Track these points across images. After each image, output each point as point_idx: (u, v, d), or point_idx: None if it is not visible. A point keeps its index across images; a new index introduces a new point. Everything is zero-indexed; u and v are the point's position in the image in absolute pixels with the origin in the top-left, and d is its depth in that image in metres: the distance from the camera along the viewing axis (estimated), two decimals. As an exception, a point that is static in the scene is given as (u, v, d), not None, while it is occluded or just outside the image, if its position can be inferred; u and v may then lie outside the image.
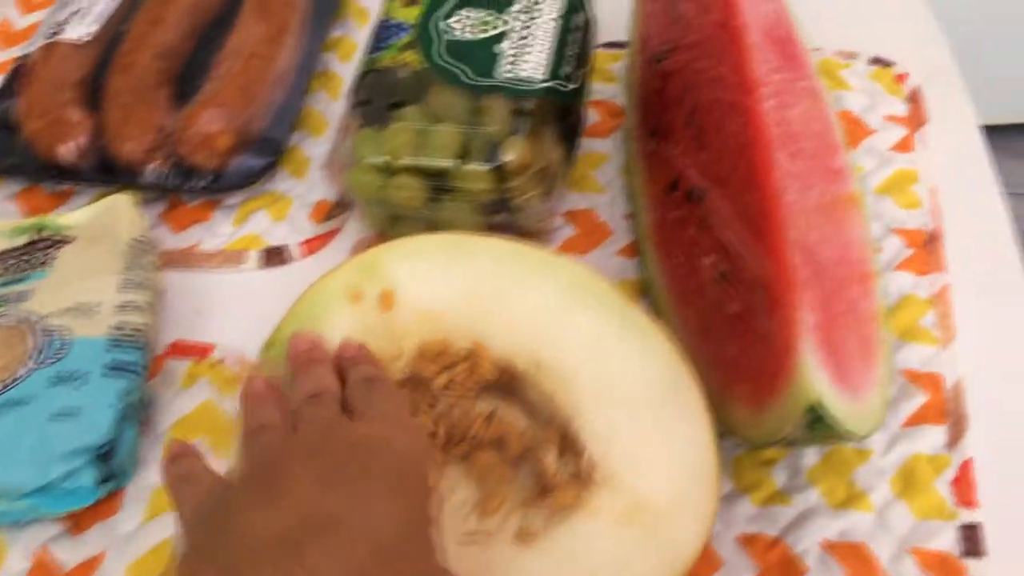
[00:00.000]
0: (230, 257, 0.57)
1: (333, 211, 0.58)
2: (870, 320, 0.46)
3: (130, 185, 0.58)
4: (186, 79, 0.62)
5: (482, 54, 0.53)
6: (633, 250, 0.55)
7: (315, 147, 0.62)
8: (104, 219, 0.54)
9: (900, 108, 0.61)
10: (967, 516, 0.45)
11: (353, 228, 0.58)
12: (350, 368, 0.42)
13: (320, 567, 0.31)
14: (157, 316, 0.53)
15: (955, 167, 0.58)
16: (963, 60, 0.65)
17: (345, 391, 0.40)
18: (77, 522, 0.47)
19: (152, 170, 0.57)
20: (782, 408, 0.39)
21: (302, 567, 0.31)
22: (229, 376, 0.51)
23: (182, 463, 0.39)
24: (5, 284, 0.51)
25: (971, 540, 0.44)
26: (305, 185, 0.60)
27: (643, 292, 0.53)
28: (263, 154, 0.59)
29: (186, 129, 0.58)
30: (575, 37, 0.55)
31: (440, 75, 0.52)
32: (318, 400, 0.39)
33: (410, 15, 0.56)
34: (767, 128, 0.44)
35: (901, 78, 0.63)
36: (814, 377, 0.38)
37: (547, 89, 0.51)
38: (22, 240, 0.54)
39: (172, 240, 0.58)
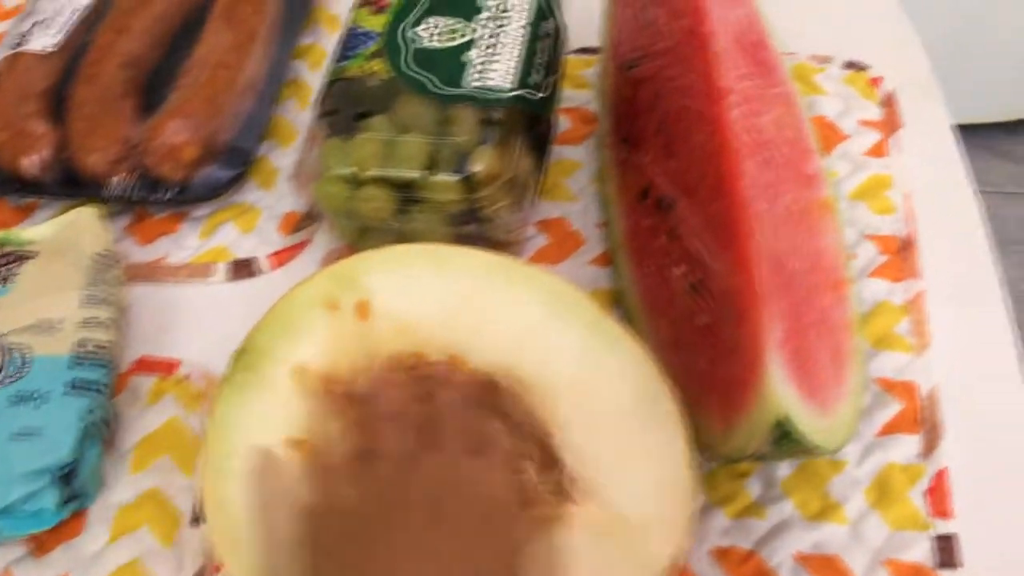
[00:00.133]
0: (197, 270, 0.56)
1: (302, 223, 0.58)
2: (843, 329, 0.46)
3: (95, 198, 0.57)
4: (153, 89, 0.61)
5: (450, 63, 0.52)
6: (606, 259, 0.55)
7: (284, 157, 0.61)
8: (68, 233, 0.53)
9: (874, 112, 0.61)
10: (942, 527, 0.44)
11: (323, 240, 0.57)
12: None
13: None
14: (122, 332, 0.52)
15: (930, 172, 0.58)
16: (946, 58, 0.65)
17: None
18: (40, 544, 0.46)
19: (117, 182, 0.57)
20: (749, 423, 0.38)
21: None
22: (195, 392, 0.50)
23: None
24: (-35, 301, 0.50)
25: (946, 551, 0.43)
26: (274, 196, 0.59)
27: (616, 302, 0.52)
28: (230, 165, 0.58)
29: (151, 140, 0.57)
30: (544, 45, 0.54)
31: (408, 84, 0.51)
32: None
33: (378, 23, 0.55)
34: (735, 137, 0.44)
35: (875, 82, 0.62)
36: (780, 392, 0.38)
37: (516, 98, 0.51)
38: (-17, 256, 0.53)
39: (138, 253, 0.57)
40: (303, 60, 0.67)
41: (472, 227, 0.51)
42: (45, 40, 0.63)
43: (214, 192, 0.57)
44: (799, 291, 0.43)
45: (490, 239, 0.52)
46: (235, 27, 0.63)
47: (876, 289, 0.52)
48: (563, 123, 0.61)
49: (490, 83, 0.51)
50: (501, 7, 0.54)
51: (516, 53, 0.52)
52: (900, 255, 0.54)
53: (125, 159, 0.57)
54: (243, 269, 0.56)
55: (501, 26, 0.53)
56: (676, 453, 0.41)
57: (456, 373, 0.44)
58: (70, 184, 0.57)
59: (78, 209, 0.55)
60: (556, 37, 0.56)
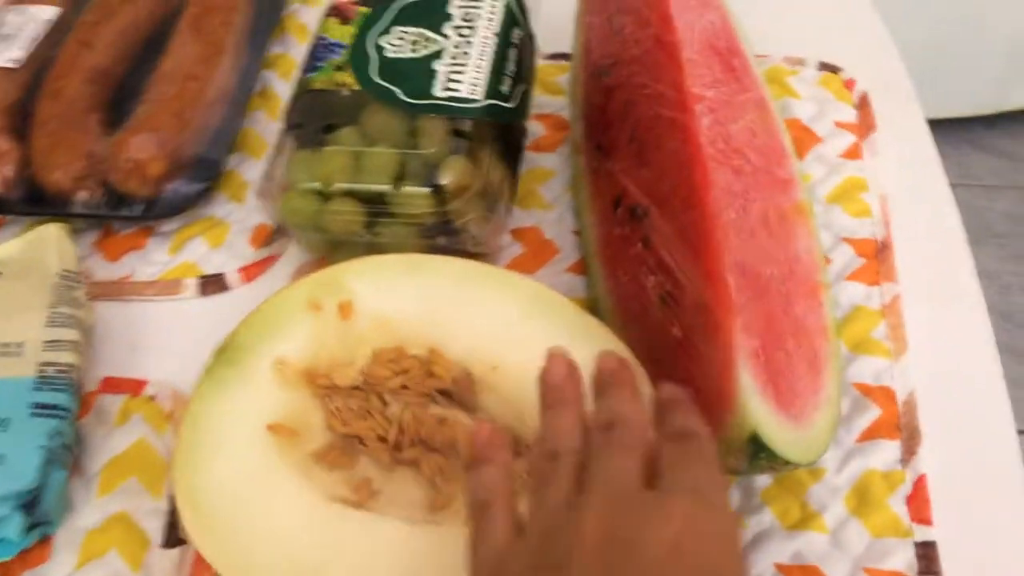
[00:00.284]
0: (166, 287, 0.55)
1: (273, 236, 0.57)
2: (820, 335, 0.45)
3: (60, 215, 0.56)
4: (119, 103, 0.60)
5: (418, 73, 0.51)
6: (582, 267, 0.54)
7: (254, 169, 0.60)
8: (32, 252, 0.52)
9: (849, 114, 0.60)
10: (922, 533, 0.44)
11: (294, 253, 0.56)
12: (665, 413, 0.36)
13: None
14: (87, 352, 0.51)
15: (905, 174, 0.57)
16: (926, 53, 0.65)
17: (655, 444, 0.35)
18: (6, 571, 0.45)
19: (82, 199, 0.56)
20: (724, 439, 0.38)
21: None
22: (163, 412, 0.49)
23: (486, 476, 0.36)
24: (-74, 324, 0.49)
25: (927, 559, 0.43)
26: (244, 209, 0.58)
27: (591, 311, 0.52)
28: (198, 179, 0.57)
29: (117, 155, 0.56)
30: (514, 53, 0.53)
31: (376, 95, 0.51)
32: (616, 463, 0.33)
33: (345, 34, 0.54)
34: (704, 147, 0.43)
35: (850, 84, 0.62)
36: (753, 407, 0.37)
37: (486, 108, 0.50)
38: (-55, 277, 0.51)
39: (105, 270, 0.56)
40: (273, 70, 0.66)
41: (443, 239, 0.50)
42: (9, 55, 0.62)
43: (182, 207, 0.56)
44: (774, 300, 0.43)
45: (463, 250, 0.51)
46: (203, 39, 0.63)
47: (853, 293, 0.52)
48: (536, 130, 0.61)
49: (459, 93, 0.50)
50: (469, 16, 0.54)
51: (485, 62, 0.52)
52: (877, 258, 0.53)
53: (90, 175, 0.56)
54: (212, 285, 0.55)
55: (470, 35, 0.53)
56: None
57: (434, 365, 0.45)
58: (34, 201, 0.56)
59: (42, 227, 0.54)
60: (526, 45, 0.55)
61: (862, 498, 0.44)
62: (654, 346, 0.45)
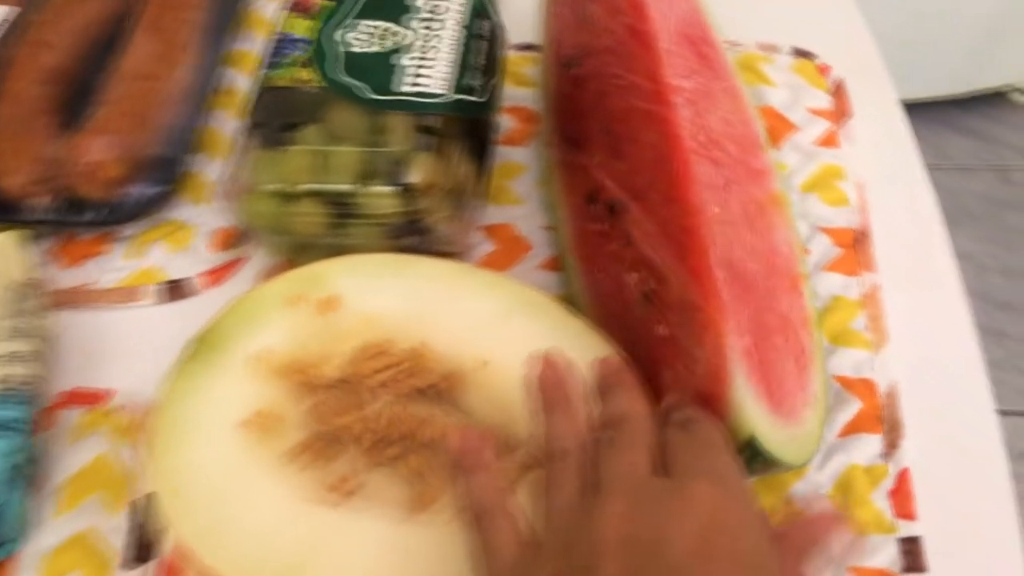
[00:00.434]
0: (127, 293, 0.53)
1: (237, 239, 0.55)
2: (803, 329, 0.44)
3: (16, 222, 0.54)
4: (76, 105, 0.58)
5: (382, 68, 0.50)
6: (555, 264, 0.53)
7: (216, 170, 0.58)
8: (-13, 261, 0.51)
9: (824, 101, 0.59)
10: (906, 529, 0.43)
11: (260, 256, 0.55)
12: (669, 411, 0.36)
13: None
14: (47, 364, 0.49)
15: (881, 160, 0.57)
16: (900, 35, 0.64)
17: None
18: (-33, 594, 0.43)
19: (38, 204, 0.54)
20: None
21: None
22: (126, 424, 0.48)
23: (479, 483, 0.35)
24: None
25: (911, 555, 0.42)
26: (207, 212, 0.56)
27: (569, 308, 0.50)
28: (158, 181, 0.55)
29: (73, 159, 0.54)
30: (481, 45, 0.52)
31: (339, 92, 0.49)
32: (624, 455, 0.33)
33: (307, 28, 0.52)
34: (684, 140, 0.42)
35: (824, 70, 0.61)
36: (749, 411, 0.36)
37: (453, 103, 0.48)
38: None
39: (65, 278, 0.54)
40: (234, 67, 0.64)
41: (413, 239, 0.48)
42: (-40, 56, 0.59)
43: (142, 210, 0.54)
44: (760, 295, 0.42)
45: (433, 250, 0.49)
46: (161, 36, 0.61)
47: (831, 284, 0.51)
48: (506, 123, 0.59)
49: (426, 88, 0.49)
50: (435, 8, 0.52)
51: (451, 56, 0.50)
52: (854, 248, 0.52)
53: (46, 180, 0.54)
54: (176, 290, 0.53)
55: (435, 28, 0.51)
56: None
57: (422, 359, 0.44)
58: (-11, 208, 0.54)
59: (-2, 235, 0.52)
60: (493, 37, 0.53)
61: (845, 494, 0.44)
62: (636, 344, 0.43)
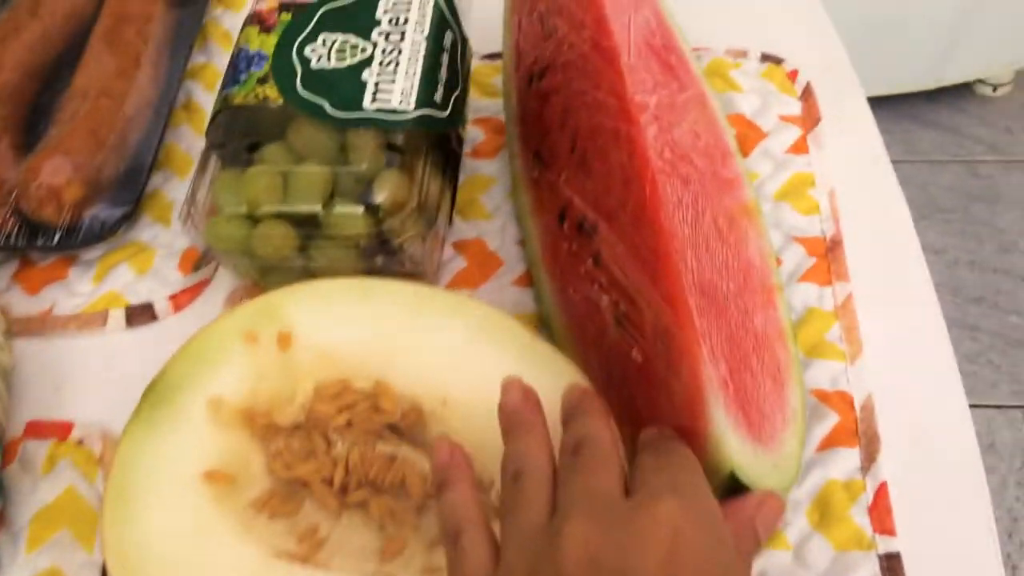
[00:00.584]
0: (90, 319, 0.52)
1: (203, 259, 0.54)
2: (778, 343, 0.44)
3: (-29, 249, 0.52)
4: (31, 125, 0.57)
5: (346, 84, 0.48)
6: (529, 279, 0.52)
7: (179, 189, 0.57)
8: (-58, 290, 0.49)
9: (794, 107, 0.59)
10: (886, 545, 0.43)
11: (226, 277, 0.53)
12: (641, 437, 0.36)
13: None
14: (8, 395, 0.48)
15: (852, 167, 0.56)
16: (865, 29, 0.63)
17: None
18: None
19: (-6, 230, 0.52)
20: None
21: None
22: (93, 457, 0.47)
23: (451, 499, 0.34)
24: None
25: (892, 571, 0.42)
26: (170, 233, 0.55)
27: (542, 327, 0.50)
28: (119, 202, 0.54)
29: (29, 182, 0.52)
30: (446, 58, 0.51)
31: (302, 109, 0.48)
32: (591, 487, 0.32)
33: (267, 43, 0.51)
34: (652, 160, 0.41)
35: (792, 75, 0.60)
36: (728, 446, 0.35)
37: (419, 118, 0.47)
38: None
39: (24, 304, 0.53)
40: (196, 81, 0.63)
41: (381, 259, 0.48)
42: (-92, 76, 0.58)
43: (104, 233, 0.53)
44: (733, 316, 0.41)
45: (404, 269, 0.49)
46: (117, 51, 0.59)
47: (806, 295, 0.51)
48: (475, 135, 0.59)
49: (389, 104, 0.48)
50: (398, 21, 0.51)
51: (416, 69, 0.49)
52: (827, 257, 0.52)
53: (2, 204, 0.52)
54: (141, 315, 0.52)
55: (399, 41, 0.50)
56: None
57: (381, 398, 0.42)
58: (-57, 235, 0.53)
59: (-48, 263, 0.50)
60: (459, 49, 0.52)
61: (824, 511, 0.43)
62: (612, 369, 0.43)
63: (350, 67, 0.49)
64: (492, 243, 0.54)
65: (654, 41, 0.48)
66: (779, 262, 0.52)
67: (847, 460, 0.45)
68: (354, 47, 0.50)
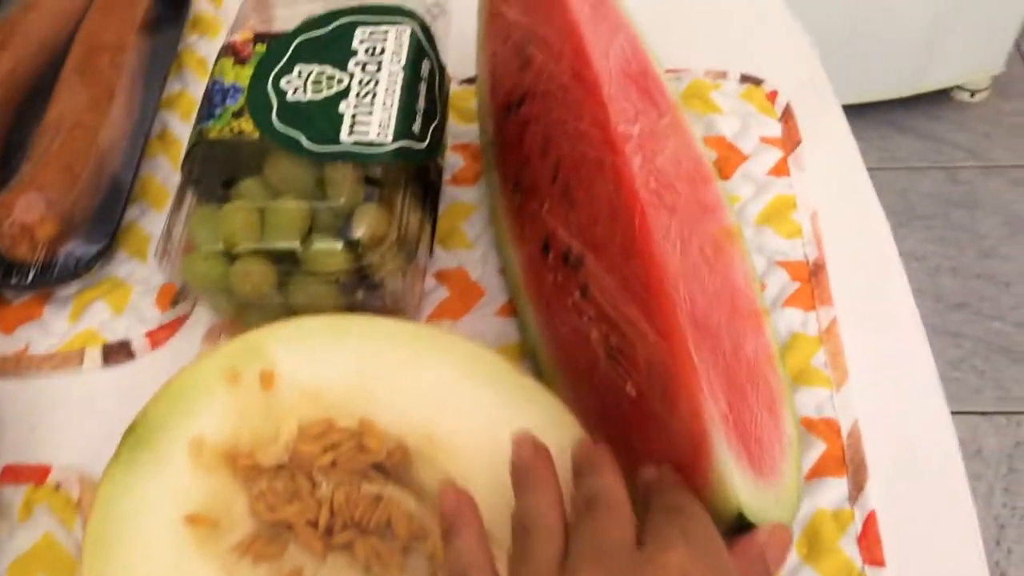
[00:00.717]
0: (67, 359, 0.51)
1: (180, 295, 0.53)
2: (769, 369, 0.44)
3: (-57, 289, 0.51)
4: (3, 160, 0.56)
5: (322, 117, 0.48)
6: (512, 309, 0.52)
7: (156, 222, 0.56)
8: (-87, 333, 0.48)
9: (774, 129, 0.59)
10: (875, 575, 0.42)
11: (204, 313, 0.53)
12: (651, 492, 0.36)
13: None
14: (-17, 440, 0.47)
15: (833, 188, 0.56)
16: (844, 37, 0.63)
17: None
18: None
19: (-33, 270, 0.51)
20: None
21: None
22: (71, 502, 0.46)
23: (458, 546, 0.34)
24: None
25: (882, 602, 0.42)
26: (147, 268, 0.54)
27: (528, 356, 0.49)
28: (94, 238, 0.53)
29: (2, 220, 0.51)
30: (424, 88, 0.50)
31: (278, 143, 0.47)
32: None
33: (242, 75, 0.50)
34: (639, 191, 0.40)
35: (772, 96, 0.60)
36: (734, 485, 0.35)
37: (397, 151, 0.47)
38: None
39: (0, 344, 0.52)
40: (172, 111, 0.62)
41: (361, 294, 0.47)
42: None
43: (79, 270, 0.52)
44: (727, 346, 0.41)
45: (385, 304, 0.48)
46: (91, 82, 0.58)
47: (790, 320, 0.50)
48: (454, 161, 0.58)
49: (366, 137, 0.47)
50: (375, 50, 0.50)
51: (394, 100, 0.48)
52: (811, 281, 0.52)
53: (-26, 242, 0.52)
54: (118, 353, 0.51)
55: (376, 71, 0.49)
56: None
57: (366, 437, 0.42)
58: (-86, 276, 0.52)
59: (-77, 304, 0.50)
60: (436, 78, 0.52)
61: (813, 543, 0.43)
62: (606, 406, 0.42)
63: (327, 99, 0.49)
64: (474, 273, 0.53)
65: (631, 68, 0.48)
66: (763, 287, 0.51)
67: (835, 490, 0.45)
68: (330, 78, 0.50)
